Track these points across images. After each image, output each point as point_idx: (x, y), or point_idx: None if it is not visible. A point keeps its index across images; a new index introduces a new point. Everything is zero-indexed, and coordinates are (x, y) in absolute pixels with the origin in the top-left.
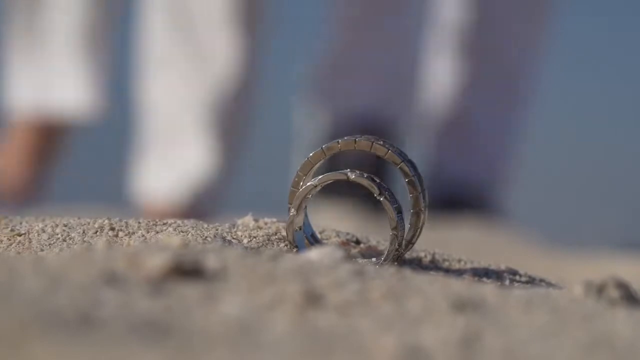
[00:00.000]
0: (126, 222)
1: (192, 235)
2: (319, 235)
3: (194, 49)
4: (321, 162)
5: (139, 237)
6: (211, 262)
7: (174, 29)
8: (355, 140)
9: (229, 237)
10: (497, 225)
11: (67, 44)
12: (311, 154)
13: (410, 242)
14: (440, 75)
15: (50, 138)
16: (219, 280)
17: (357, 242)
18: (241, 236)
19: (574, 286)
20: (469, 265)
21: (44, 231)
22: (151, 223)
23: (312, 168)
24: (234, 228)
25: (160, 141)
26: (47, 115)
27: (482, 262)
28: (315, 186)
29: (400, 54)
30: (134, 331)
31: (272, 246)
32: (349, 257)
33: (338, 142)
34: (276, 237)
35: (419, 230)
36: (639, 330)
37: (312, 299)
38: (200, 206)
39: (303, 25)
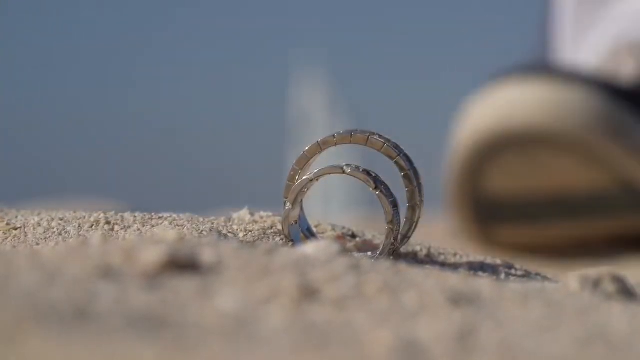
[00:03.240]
0: (122, 216)
1: (188, 229)
2: (314, 229)
3: None
4: (317, 155)
5: (135, 231)
6: (207, 256)
7: None
8: (351, 134)
9: (224, 231)
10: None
11: None
12: (307, 148)
13: (406, 236)
14: None
15: None
16: (214, 274)
17: (353, 236)
18: (237, 230)
19: (569, 280)
20: (464, 259)
21: (39, 225)
22: (147, 217)
23: (308, 162)
24: (229, 222)
25: None
26: None
27: (478, 256)
28: (311, 180)
29: None
30: (129, 325)
31: (268, 240)
32: (345, 251)
33: (334, 136)
34: (272, 231)
35: (414, 224)
36: (635, 324)
37: (308, 292)
38: None
39: (297, 21)
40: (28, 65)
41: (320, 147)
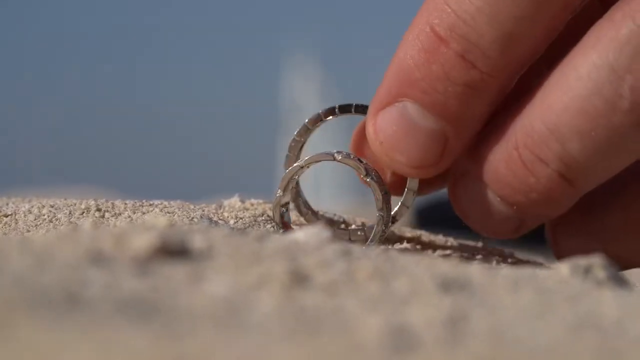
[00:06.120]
0: (112, 204)
1: (179, 216)
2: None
3: None
4: (308, 135)
5: (126, 218)
6: (197, 242)
7: None
8: (336, 106)
9: (215, 218)
10: None
11: None
12: (295, 132)
13: (395, 219)
14: None
15: None
16: (205, 260)
17: (344, 223)
18: (228, 217)
19: (560, 267)
20: (456, 246)
21: (30, 212)
22: (137, 204)
23: (300, 146)
24: (220, 209)
25: None
26: None
27: (469, 243)
28: (302, 167)
29: None
30: (120, 311)
31: (259, 227)
32: (336, 238)
33: (319, 113)
34: (262, 218)
35: (407, 209)
36: (625, 311)
37: (299, 278)
38: None
39: (292, 17)
40: (22, 54)
41: (307, 127)
